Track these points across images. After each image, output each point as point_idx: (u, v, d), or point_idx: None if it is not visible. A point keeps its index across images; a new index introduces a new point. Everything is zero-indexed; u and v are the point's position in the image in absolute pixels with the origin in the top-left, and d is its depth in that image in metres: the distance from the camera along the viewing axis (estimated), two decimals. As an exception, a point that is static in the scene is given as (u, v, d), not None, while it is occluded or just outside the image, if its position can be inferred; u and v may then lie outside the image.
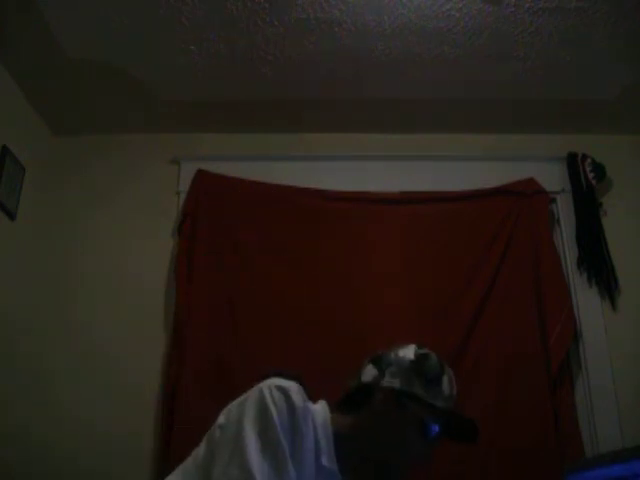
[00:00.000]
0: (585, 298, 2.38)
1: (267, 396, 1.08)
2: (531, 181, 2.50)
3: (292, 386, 1.12)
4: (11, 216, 2.29)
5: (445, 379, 1.25)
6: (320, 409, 1.21)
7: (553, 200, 2.52)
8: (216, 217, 2.42)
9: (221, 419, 1.12)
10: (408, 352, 1.26)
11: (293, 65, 2.27)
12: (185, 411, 2.11)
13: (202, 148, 2.61)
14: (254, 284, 2.33)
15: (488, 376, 2.21)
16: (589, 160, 2.51)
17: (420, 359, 1.25)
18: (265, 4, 2.01)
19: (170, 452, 2.04)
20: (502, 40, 2.16)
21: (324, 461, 1.14)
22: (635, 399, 2.22)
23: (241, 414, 1.08)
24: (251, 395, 1.11)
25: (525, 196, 2.47)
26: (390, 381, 1.22)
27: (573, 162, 2.54)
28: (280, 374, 1.16)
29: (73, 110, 2.51)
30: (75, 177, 2.57)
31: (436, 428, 1.22)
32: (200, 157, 2.57)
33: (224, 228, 2.40)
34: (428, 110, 2.52)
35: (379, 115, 2.55)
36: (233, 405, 1.13)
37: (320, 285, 2.34)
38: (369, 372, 1.26)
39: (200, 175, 2.50)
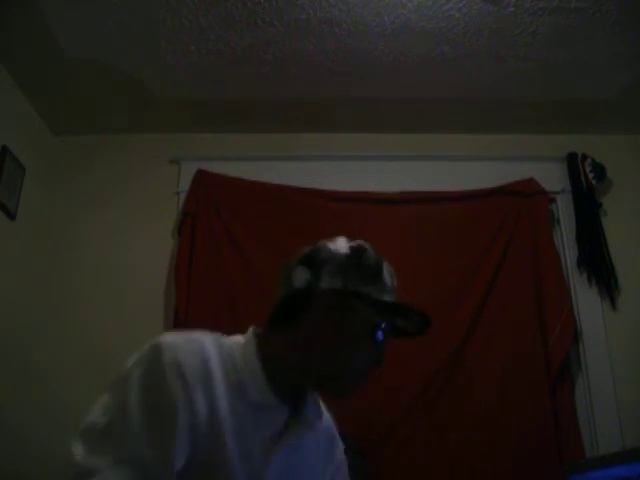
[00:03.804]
0: (585, 298, 2.38)
1: (133, 360, 1.03)
2: (531, 181, 2.50)
3: (172, 340, 1.02)
4: (11, 216, 2.29)
5: (385, 269, 1.09)
6: (236, 342, 1.05)
7: (553, 200, 2.52)
8: (216, 217, 2.42)
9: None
10: (340, 246, 1.09)
11: (293, 65, 2.27)
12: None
13: (202, 148, 2.61)
14: (254, 284, 2.32)
15: (488, 376, 2.21)
16: (589, 160, 2.51)
17: (356, 251, 1.08)
18: (265, 4, 2.01)
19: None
20: (502, 40, 2.16)
21: (254, 396, 0.99)
22: (635, 399, 2.22)
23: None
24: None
25: (525, 196, 2.47)
26: (329, 282, 1.03)
27: (573, 162, 2.54)
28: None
29: (73, 110, 2.51)
30: (75, 177, 2.57)
31: (386, 325, 1.07)
32: (200, 157, 2.57)
33: (224, 228, 2.40)
34: (428, 110, 2.52)
35: (379, 115, 2.55)
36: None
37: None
38: (301, 275, 1.05)
39: (200, 175, 2.50)
